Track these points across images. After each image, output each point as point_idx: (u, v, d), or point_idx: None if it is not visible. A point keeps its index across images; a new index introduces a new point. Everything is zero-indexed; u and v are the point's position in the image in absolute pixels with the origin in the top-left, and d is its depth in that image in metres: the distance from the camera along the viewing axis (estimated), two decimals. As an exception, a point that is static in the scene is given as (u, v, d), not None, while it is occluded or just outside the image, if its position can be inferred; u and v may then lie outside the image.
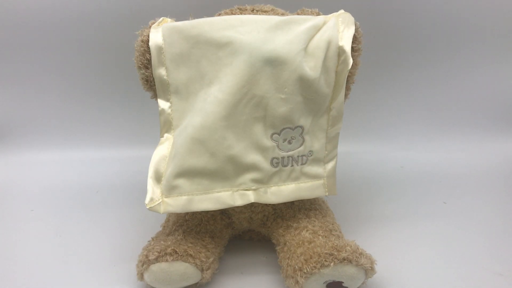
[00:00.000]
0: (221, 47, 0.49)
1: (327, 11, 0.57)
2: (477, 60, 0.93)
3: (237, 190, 0.52)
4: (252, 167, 0.52)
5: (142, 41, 0.52)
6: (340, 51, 0.51)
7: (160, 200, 0.51)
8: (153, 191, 0.52)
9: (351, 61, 0.51)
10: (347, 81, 0.53)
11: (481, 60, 0.93)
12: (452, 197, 0.77)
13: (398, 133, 0.98)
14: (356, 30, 0.52)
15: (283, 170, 0.53)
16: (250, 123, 0.51)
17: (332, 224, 0.57)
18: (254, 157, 0.52)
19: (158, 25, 0.53)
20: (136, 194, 0.77)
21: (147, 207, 0.51)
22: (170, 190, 0.51)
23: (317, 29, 0.51)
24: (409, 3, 0.86)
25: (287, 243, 0.53)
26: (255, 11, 0.57)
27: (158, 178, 0.52)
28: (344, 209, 0.71)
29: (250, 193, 0.53)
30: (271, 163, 0.53)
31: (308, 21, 0.51)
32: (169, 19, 0.54)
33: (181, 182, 0.51)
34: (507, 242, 0.63)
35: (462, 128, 0.98)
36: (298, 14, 0.58)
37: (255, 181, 0.52)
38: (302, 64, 0.49)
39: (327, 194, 0.56)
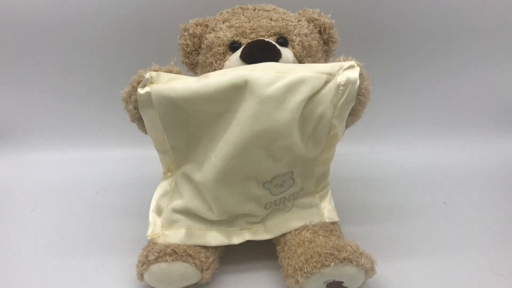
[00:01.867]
0: (218, 116, 0.49)
1: (327, 11, 0.58)
2: (477, 60, 0.93)
3: (233, 231, 0.55)
4: (247, 214, 0.55)
5: (135, 107, 0.49)
6: (332, 126, 0.50)
7: (160, 233, 0.54)
8: (154, 224, 0.54)
9: (341, 135, 0.52)
10: (350, 121, 0.53)
11: (481, 60, 0.93)
12: (452, 197, 0.77)
13: (398, 133, 0.98)
14: (362, 93, 0.48)
15: (275, 209, 0.56)
16: (243, 181, 0.53)
17: (333, 224, 0.57)
18: (248, 207, 0.54)
19: (146, 85, 0.48)
20: (136, 194, 0.77)
21: (148, 238, 0.54)
22: (171, 223, 0.54)
23: (315, 92, 0.47)
24: (409, 3, 0.86)
25: (288, 242, 0.54)
26: (256, 10, 0.57)
27: (159, 212, 0.55)
28: (344, 209, 0.71)
29: (245, 231, 0.56)
30: (265, 207, 0.55)
31: (306, 87, 0.47)
32: (153, 73, 0.48)
33: (180, 217, 0.54)
34: (507, 242, 0.63)
35: (462, 128, 0.98)
36: (299, 14, 0.58)
37: (250, 222, 0.56)
38: (294, 136, 0.49)
39: (326, 220, 0.57)
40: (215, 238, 0.54)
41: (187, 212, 0.54)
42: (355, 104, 0.49)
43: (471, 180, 0.85)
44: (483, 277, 0.55)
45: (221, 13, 0.58)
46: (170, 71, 0.50)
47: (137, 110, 0.49)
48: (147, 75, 0.47)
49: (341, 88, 0.47)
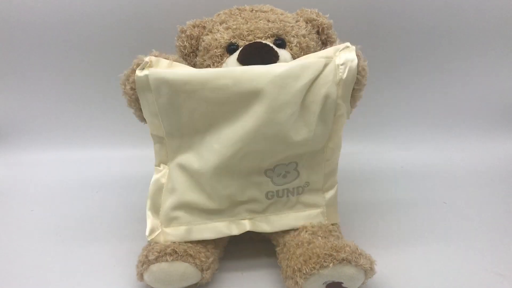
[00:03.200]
0: (215, 105, 0.49)
1: (327, 11, 0.57)
2: (477, 60, 0.93)
3: (233, 220, 0.54)
4: (247, 201, 0.54)
5: (132, 88, 0.50)
6: (337, 105, 0.51)
7: (160, 230, 0.53)
8: (152, 223, 0.54)
9: (349, 114, 0.52)
10: (351, 104, 0.53)
11: (481, 60, 0.92)
12: (452, 197, 0.77)
13: (398, 133, 0.98)
14: (359, 71, 0.50)
15: (278, 201, 0.55)
16: (245, 168, 0.52)
17: (332, 225, 0.57)
18: (250, 193, 0.54)
19: (145, 68, 0.50)
20: (136, 194, 0.78)
21: (148, 239, 0.53)
22: (169, 221, 0.53)
23: (316, 75, 0.49)
24: (408, 3, 0.86)
25: (287, 244, 0.53)
26: (254, 11, 0.57)
27: (156, 210, 0.54)
28: (344, 209, 0.71)
29: (246, 222, 0.55)
30: (266, 196, 0.54)
31: (307, 71, 0.49)
32: (153, 58, 0.50)
33: (180, 214, 0.53)
34: (507, 242, 0.63)
35: (462, 128, 0.98)
36: (297, 14, 0.58)
37: (251, 211, 0.55)
38: (297, 129, 0.50)
39: (326, 222, 0.57)
40: (215, 230, 0.53)
41: (185, 207, 0.53)
42: (354, 83, 0.51)
43: (471, 180, 0.85)
44: (483, 277, 0.55)
45: (218, 14, 0.58)
46: (168, 59, 0.51)
47: (134, 91, 0.50)
48: (147, 59, 0.50)
49: (341, 67, 0.50)
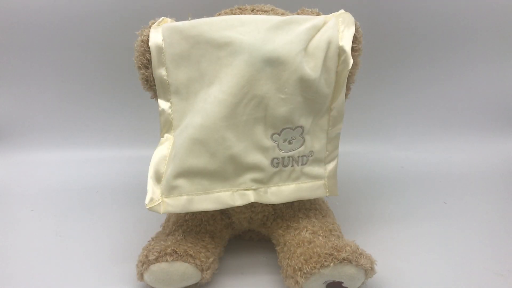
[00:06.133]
0: (221, 47, 0.49)
1: (327, 11, 0.57)
2: (477, 60, 0.93)
3: (237, 190, 0.52)
4: (252, 167, 0.52)
5: (142, 41, 0.52)
6: (340, 51, 0.51)
7: (160, 200, 0.51)
8: (153, 191, 0.52)
9: (351, 61, 0.51)
10: (347, 81, 0.53)
11: (481, 60, 0.93)
12: (452, 197, 0.77)
13: (398, 133, 0.98)
14: (356, 30, 0.52)
15: (283, 171, 0.53)
16: (251, 124, 0.51)
17: (332, 224, 0.57)
18: (255, 157, 0.52)
19: (158, 25, 0.53)
20: (136, 194, 0.78)
21: (147, 207, 0.51)
22: (170, 190, 0.51)
23: (317, 29, 0.51)
24: (409, 3, 0.86)
25: (287, 243, 0.53)
26: (255, 11, 0.56)
27: (158, 178, 0.52)
28: (344, 209, 0.71)
29: (250, 193, 0.52)
30: (272, 163, 0.52)
31: (308, 21, 0.51)
32: (169, 19, 0.54)
33: (181, 182, 0.51)
34: (507, 242, 0.63)
35: (462, 128, 0.98)
36: (298, 14, 0.58)
37: (255, 181, 0.52)
38: (302, 64, 0.49)
39: (328, 194, 0.56)
40: (217, 200, 0.52)
41: (186, 174, 0.51)
42: (352, 40, 0.52)
43: (471, 180, 0.85)
44: (483, 277, 0.55)
45: (219, 14, 0.58)
46: None
47: (144, 44, 0.52)
48: (160, 19, 0.54)
49: (340, 19, 0.53)
